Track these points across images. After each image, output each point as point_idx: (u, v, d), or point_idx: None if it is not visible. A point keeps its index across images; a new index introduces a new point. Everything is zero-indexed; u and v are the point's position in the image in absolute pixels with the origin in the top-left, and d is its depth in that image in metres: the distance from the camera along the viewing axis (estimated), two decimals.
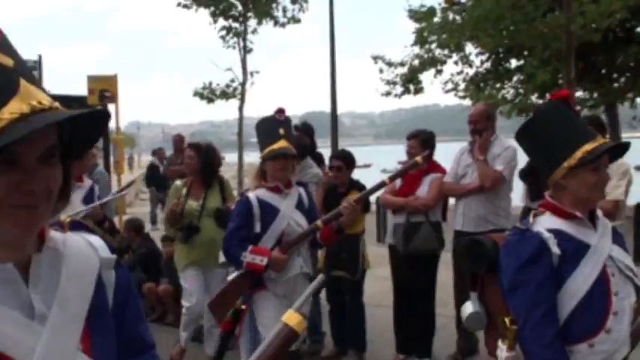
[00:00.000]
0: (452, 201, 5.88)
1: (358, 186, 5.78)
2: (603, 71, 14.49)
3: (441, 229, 5.66)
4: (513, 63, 15.44)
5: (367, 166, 51.54)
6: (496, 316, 2.53)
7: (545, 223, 2.43)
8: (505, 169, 5.36)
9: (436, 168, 5.75)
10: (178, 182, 5.94)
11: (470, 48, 13.73)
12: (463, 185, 5.51)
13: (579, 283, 2.37)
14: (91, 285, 1.36)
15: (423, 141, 5.67)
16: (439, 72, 14.68)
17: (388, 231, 5.91)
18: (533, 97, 15.03)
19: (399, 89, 15.03)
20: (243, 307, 4.27)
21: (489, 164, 5.39)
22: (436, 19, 12.73)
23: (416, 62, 14.50)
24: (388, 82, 15.03)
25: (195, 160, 5.78)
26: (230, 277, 4.48)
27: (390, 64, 14.96)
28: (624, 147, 2.58)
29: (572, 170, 2.38)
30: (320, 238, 4.49)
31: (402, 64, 14.81)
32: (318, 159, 6.53)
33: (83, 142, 1.35)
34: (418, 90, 14.89)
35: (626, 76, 14.48)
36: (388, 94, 15.19)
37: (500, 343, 2.44)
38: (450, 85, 15.83)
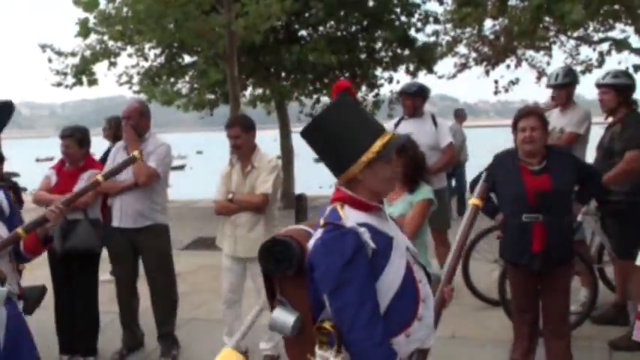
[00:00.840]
0: None
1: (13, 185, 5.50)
2: (272, 70, 15.36)
3: (100, 226, 5.61)
4: (187, 59, 15.66)
5: (50, 159, 49.21)
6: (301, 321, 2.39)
7: (354, 217, 2.35)
8: (159, 165, 5.46)
9: (93, 164, 5.68)
10: None
11: (143, 41, 13.60)
12: (119, 182, 5.47)
13: (394, 276, 2.33)
14: None
15: (79, 140, 5.57)
16: (113, 64, 14.31)
17: None
18: (209, 94, 15.47)
19: (70, 80, 14.31)
20: None
21: (143, 161, 5.44)
22: (105, 10, 12.44)
23: (87, 53, 14.01)
24: (58, 73, 14.30)
25: None
26: None
27: (59, 53, 14.21)
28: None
29: (368, 164, 2.34)
30: (24, 250, 3.83)
31: (73, 54, 14.14)
32: None
33: None
34: (92, 82, 14.34)
35: (292, 76, 15.51)
36: (59, 84, 14.40)
37: (318, 350, 2.30)
38: (124, 78, 15.61)
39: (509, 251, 4.67)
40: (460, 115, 13.15)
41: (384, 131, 2.42)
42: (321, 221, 2.38)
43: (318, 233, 2.38)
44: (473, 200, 2.94)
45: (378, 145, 2.34)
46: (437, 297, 2.61)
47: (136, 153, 4.51)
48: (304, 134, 2.48)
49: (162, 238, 5.69)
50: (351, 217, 2.33)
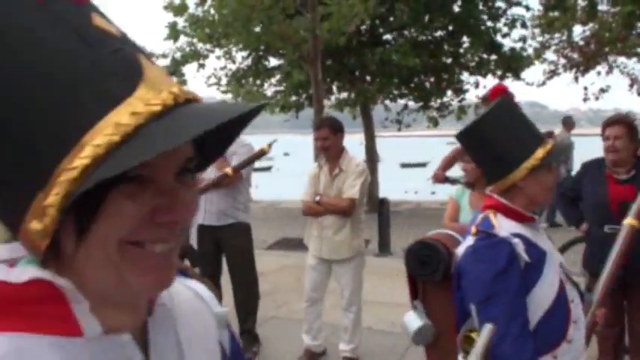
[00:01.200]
0: None
1: None
2: (357, 73, 15.40)
3: None
4: (273, 61, 15.92)
5: None
6: (442, 328, 2.32)
7: (507, 227, 2.26)
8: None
9: None
10: None
11: (230, 44, 13.93)
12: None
13: (546, 292, 2.22)
14: (216, 355, 1.00)
15: None
16: (202, 66, 14.73)
17: None
18: (294, 96, 15.66)
19: None
20: None
21: (227, 160, 5.52)
22: (194, 13, 12.79)
23: (178, 55, 14.48)
24: None
25: None
26: None
27: (151, 55, 14.65)
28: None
29: (532, 171, 2.27)
30: None
31: (164, 56, 14.66)
32: None
33: (214, 148, 0.92)
34: (182, 82, 14.75)
35: (377, 79, 15.45)
36: None
37: (462, 359, 2.23)
38: (213, 80, 15.96)
39: (591, 263, 4.52)
40: (568, 122, 13.01)
41: (545, 139, 2.35)
42: (473, 229, 2.30)
43: (469, 240, 2.30)
44: (629, 220, 2.74)
45: (540, 152, 2.28)
46: (588, 319, 2.50)
47: (265, 146, 4.64)
48: (461, 137, 2.41)
49: (244, 236, 5.82)
50: (504, 226, 2.25)
